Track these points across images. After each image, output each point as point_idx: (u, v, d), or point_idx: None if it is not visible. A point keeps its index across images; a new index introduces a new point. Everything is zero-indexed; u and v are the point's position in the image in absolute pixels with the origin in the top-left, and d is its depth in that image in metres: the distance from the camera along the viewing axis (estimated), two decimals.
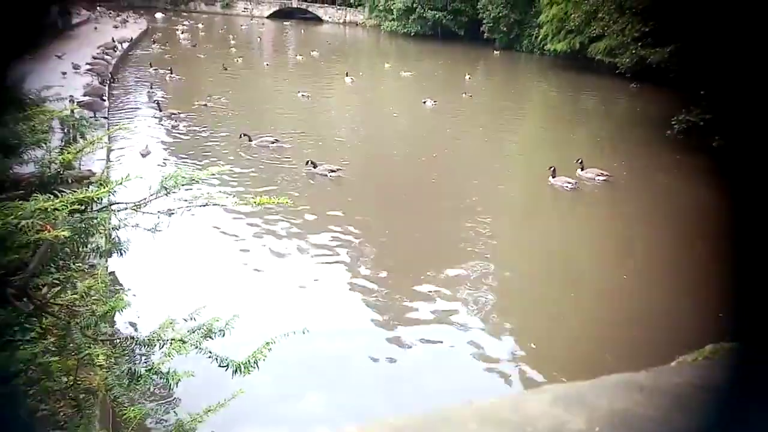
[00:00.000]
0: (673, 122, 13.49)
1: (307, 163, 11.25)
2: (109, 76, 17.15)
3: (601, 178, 11.72)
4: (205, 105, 15.96)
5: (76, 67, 15.37)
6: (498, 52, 30.70)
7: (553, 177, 11.38)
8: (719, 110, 12.63)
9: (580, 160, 11.95)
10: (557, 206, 11.21)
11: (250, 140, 11.47)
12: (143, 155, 12.03)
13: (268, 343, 3.03)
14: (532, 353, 6.34)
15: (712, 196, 11.69)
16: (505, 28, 31.89)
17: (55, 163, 2.74)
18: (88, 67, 16.72)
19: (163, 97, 17.17)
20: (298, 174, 11.30)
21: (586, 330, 6.90)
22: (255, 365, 2.98)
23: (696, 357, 0.88)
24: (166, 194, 2.70)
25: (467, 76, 24.40)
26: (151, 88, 18.12)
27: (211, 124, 14.38)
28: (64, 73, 15.42)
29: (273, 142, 11.35)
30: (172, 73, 19.81)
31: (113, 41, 22.14)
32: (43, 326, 3.62)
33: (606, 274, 8.33)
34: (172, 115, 14.67)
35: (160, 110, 14.80)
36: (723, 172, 12.14)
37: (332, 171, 11.14)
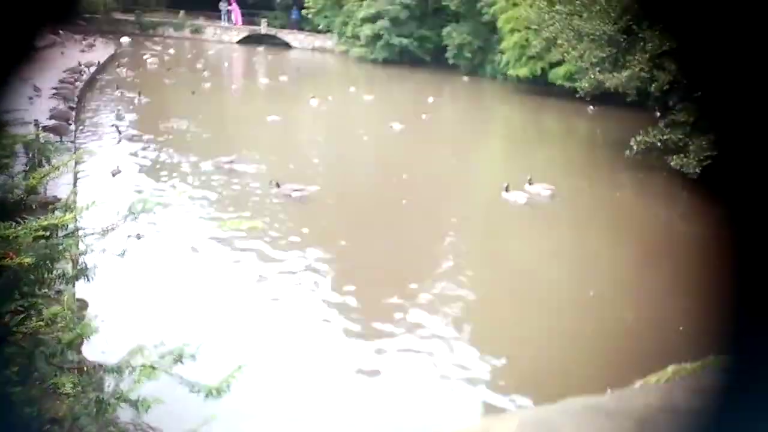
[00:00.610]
0: (631, 143, 13.95)
1: (271, 182, 11.27)
2: (76, 99, 16.90)
3: (547, 192, 12.38)
4: (172, 127, 15.86)
5: (36, 89, 15.07)
6: (466, 78, 31.31)
7: (506, 192, 11.99)
8: (676, 131, 13.14)
9: (528, 177, 12.51)
10: (522, 224, 11.43)
11: (278, 187, 11.17)
12: (114, 174, 11.88)
13: (240, 367, 3.03)
14: (503, 371, 6.41)
15: (670, 212, 12.14)
16: (469, 54, 32.56)
17: (19, 189, 2.71)
18: (54, 91, 16.44)
19: (130, 120, 17.02)
20: (268, 196, 11.27)
21: (557, 347, 7.02)
22: (227, 389, 2.97)
23: (659, 378, 0.92)
24: (135, 219, 2.71)
25: (430, 99, 24.93)
26: (119, 111, 17.95)
27: (179, 148, 14.26)
28: (30, 98, 15.12)
29: (296, 191, 11.15)
30: (140, 96, 19.70)
31: (80, 65, 21.84)
32: (5, 355, 3.53)
33: (573, 290, 8.50)
34: (133, 138, 14.55)
35: (120, 133, 14.62)
36: (681, 190, 12.62)
37: (296, 190, 11.19)
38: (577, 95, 18.20)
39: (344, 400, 5.81)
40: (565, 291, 8.52)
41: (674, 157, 12.87)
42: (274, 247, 9.00)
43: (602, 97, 17.88)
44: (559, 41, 17.65)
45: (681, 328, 7.14)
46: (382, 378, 6.21)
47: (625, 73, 14.24)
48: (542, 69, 24.90)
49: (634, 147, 13.85)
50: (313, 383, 5.95)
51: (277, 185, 11.22)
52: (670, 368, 0.98)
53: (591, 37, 15.69)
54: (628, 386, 0.99)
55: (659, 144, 13.43)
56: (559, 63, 22.23)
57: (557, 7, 18.55)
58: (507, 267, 9.40)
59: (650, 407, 0.82)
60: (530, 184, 12.39)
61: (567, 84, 22.23)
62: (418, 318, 7.35)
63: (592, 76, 15.98)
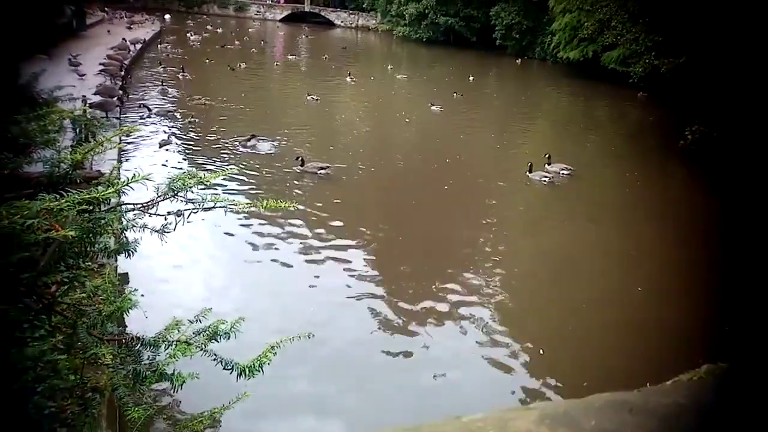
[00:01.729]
0: (686, 132, 13.39)
1: (297, 159, 11.34)
2: (121, 76, 17.29)
3: (566, 172, 12.53)
4: (204, 104, 16.09)
5: (81, 75, 15.50)
6: (514, 59, 30.63)
7: (530, 172, 12.20)
8: (730, 121, 12.54)
9: (547, 155, 12.67)
10: (564, 210, 11.13)
11: (302, 164, 11.22)
12: (162, 146, 12.19)
13: (273, 347, 3.02)
14: (540, 360, 6.30)
15: (722, 206, 11.62)
16: (517, 36, 31.86)
17: (65, 163, 2.75)
18: (101, 67, 16.85)
19: (172, 96, 17.34)
20: (308, 177, 11.30)
21: (596, 337, 6.85)
22: (260, 369, 2.97)
23: (691, 377, 0.86)
24: (174, 196, 2.70)
25: (471, 78, 24.67)
26: (163, 87, 18.32)
27: (215, 125, 14.42)
28: (79, 74, 15.56)
29: (322, 169, 11.24)
30: (183, 72, 20.12)
31: (125, 42, 22.32)
32: (52, 324, 3.63)
33: (615, 280, 8.26)
34: (167, 114, 14.77)
35: (149, 110, 14.82)
36: (733, 182, 12.06)
37: (321, 168, 11.21)
38: (630, 80, 17.60)
39: (373, 383, 5.80)
40: (617, 282, 8.29)
41: (729, 148, 12.30)
42: (319, 228, 9.03)
43: (655, 83, 17.22)
44: (614, 23, 17.04)
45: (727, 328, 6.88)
46: (423, 356, 6.17)
47: (683, 59, 13.62)
48: (594, 52, 24.12)
49: (689, 136, 13.29)
50: (345, 363, 5.98)
51: (302, 163, 11.25)
52: (704, 367, 0.91)
53: (647, 19, 15.06)
54: (660, 384, 0.91)
55: (714, 134, 12.85)
56: (612, 46, 21.45)
57: None
58: (559, 253, 9.18)
59: (677, 406, 0.77)
60: (549, 164, 12.54)
61: (620, 68, 21.48)
62: (460, 299, 7.27)
63: (647, 61, 15.38)
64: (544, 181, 12.10)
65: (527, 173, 12.22)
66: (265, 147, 12.89)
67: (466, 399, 5.65)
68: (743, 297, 7.33)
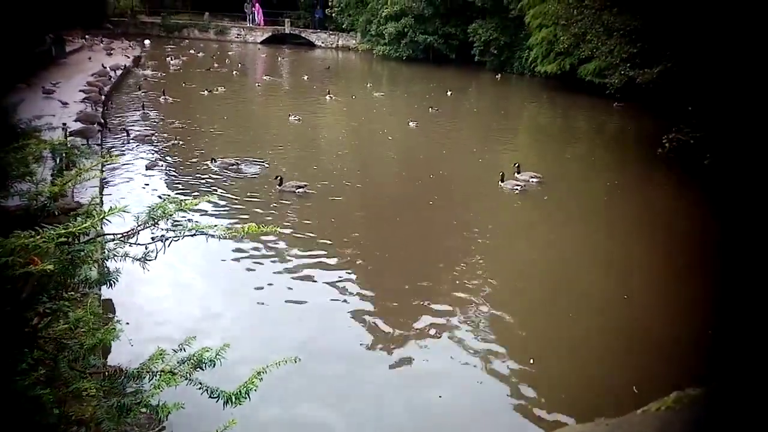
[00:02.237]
0: (663, 140, 13.60)
1: (276, 178, 11.44)
2: (102, 102, 17.23)
3: (535, 180, 12.86)
4: (181, 127, 16.14)
5: (64, 103, 15.42)
6: (493, 74, 31.03)
7: (502, 181, 12.49)
8: (708, 128, 12.76)
9: (516, 165, 13.01)
10: (547, 220, 11.22)
11: (281, 183, 11.29)
12: (149, 168, 12.23)
13: (259, 373, 3.00)
14: (529, 373, 6.30)
15: (702, 213, 11.79)
16: (495, 51, 32.29)
17: (42, 196, 2.73)
18: (82, 94, 16.79)
19: (153, 121, 17.31)
20: (287, 197, 11.30)
21: (584, 346, 6.89)
22: (246, 395, 2.95)
23: (659, 406, 0.87)
24: (155, 224, 2.69)
25: (449, 93, 25.03)
26: (144, 109, 18.31)
27: (194, 148, 14.38)
28: (65, 103, 15.47)
29: (299, 188, 11.33)
30: (164, 95, 20.19)
31: (105, 68, 22.27)
32: (34, 357, 3.57)
33: (600, 289, 8.32)
34: (146, 138, 14.73)
35: (128, 135, 14.75)
36: (714, 189, 12.26)
37: (299, 187, 11.31)
38: (607, 92, 17.89)
39: (362, 405, 5.76)
40: (606, 293, 8.35)
41: (708, 155, 12.49)
42: (301, 248, 9.01)
43: (634, 94, 17.53)
44: (589, 36, 17.33)
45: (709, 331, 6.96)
46: (412, 372, 6.16)
47: (657, 69, 13.88)
48: (571, 65, 24.54)
49: (667, 144, 13.50)
50: (333, 386, 5.93)
51: (280, 182, 11.34)
52: (672, 395, 0.91)
53: (621, 32, 15.36)
54: (628, 414, 0.92)
55: (692, 141, 13.05)
56: (588, 59, 21.86)
57: (586, 2, 18.23)
58: (546, 267, 9.24)
59: None
60: (518, 173, 12.92)
61: (597, 80, 21.86)
62: (449, 312, 7.27)
63: (623, 72, 15.66)
64: (516, 189, 12.40)
65: (499, 183, 12.54)
66: (250, 169, 12.89)
67: (456, 413, 5.63)
68: (730, 303, 7.41)
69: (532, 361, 6.51)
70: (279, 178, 11.45)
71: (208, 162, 12.86)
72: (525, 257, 9.71)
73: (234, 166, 12.73)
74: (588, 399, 5.93)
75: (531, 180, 12.82)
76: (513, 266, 9.26)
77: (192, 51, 35.11)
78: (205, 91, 21.82)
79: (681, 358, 6.48)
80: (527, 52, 29.08)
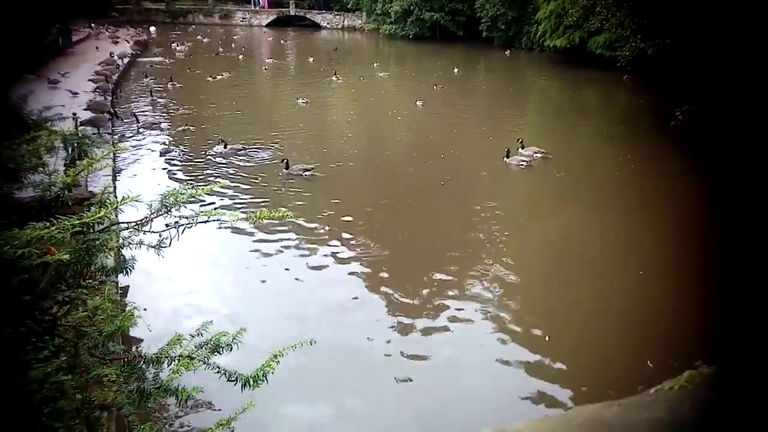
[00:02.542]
0: (676, 113, 13.41)
1: (282, 161, 11.47)
2: (111, 91, 17.27)
3: (539, 154, 12.84)
4: (190, 114, 16.12)
5: (74, 93, 15.46)
6: (502, 51, 30.62)
7: (507, 157, 12.52)
8: (719, 101, 12.55)
9: (520, 140, 13.03)
10: (561, 198, 11.15)
11: (287, 167, 11.31)
12: (163, 154, 12.38)
13: (275, 356, 3.03)
14: (546, 347, 6.33)
15: (715, 187, 11.64)
16: (503, 26, 31.86)
17: (56, 186, 2.75)
18: (91, 83, 16.84)
19: (161, 107, 17.36)
20: (296, 180, 11.30)
21: (597, 327, 6.87)
22: (264, 378, 2.98)
23: (672, 385, 0.86)
24: (167, 212, 2.71)
25: (455, 69, 24.80)
26: (152, 96, 18.36)
27: (202, 135, 14.37)
28: (75, 93, 15.52)
29: (307, 170, 11.33)
30: (172, 81, 20.27)
31: (113, 57, 22.28)
32: (55, 345, 3.64)
33: (615, 267, 8.28)
34: (153, 125, 14.76)
35: (138, 122, 14.81)
36: (725, 162, 12.09)
37: (306, 170, 11.33)
38: (618, 64, 17.64)
39: (376, 392, 5.82)
40: (619, 269, 8.31)
41: (719, 128, 12.31)
42: (314, 233, 9.03)
43: (644, 66, 17.25)
44: (598, 8, 17.05)
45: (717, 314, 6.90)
46: (429, 355, 6.19)
47: (669, 40, 13.63)
48: (580, 38, 24.16)
49: (680, 116, 13.31)
50: (348, 369, 5.99)
51: (287, 165, 11.34)
52: (685, 374, 0.91)
53: (631, 2, 15.08)
54: (641, 393, 0.92)
55: (705, 114, 12.86)
56: (598, 31, 21.50)
57: None
58: (560, 245, 9.20)
59: (656, 421, 0.77)
60: (522, 148, 12.91)
61: (607, 53, 21.52)
62: (463, 293, 7.29)
63: (634, 44, 15.41)
64: (522, 165, 12.42)
65: (504, 158, 12.53)
66: (260, 154, 12.88)
67: (474, 390, 5.67)
68: (740, 284, 7.36)
69: (547, 338, 6.53)
70: (285, 161, 11.46)
71: (218, 147, 12.86)
72: (538, 235, 9.67)
73: (242, 151, 12.74)
74: (603, 374, 5.94)
75: (535, 155, 12.80)
76: (526, 244, 9.23)
77: (199, 36, 34.95)
78: (210, 78, 21.76)
79: (693, 332, 6.46)
80: (535, 26, 28.68)
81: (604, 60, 22.29)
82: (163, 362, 2.98)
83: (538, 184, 12.10)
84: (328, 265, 8.09)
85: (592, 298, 7.39)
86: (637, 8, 14.97)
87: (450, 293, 7.37)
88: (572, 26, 23.85)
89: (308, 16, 43.94)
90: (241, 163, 12.25)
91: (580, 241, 9.28)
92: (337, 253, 8.43)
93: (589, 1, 17.43)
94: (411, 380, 5.80)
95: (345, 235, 8.93)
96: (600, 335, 6.69)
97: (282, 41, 37.41)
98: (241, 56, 28.21)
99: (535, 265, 8.57)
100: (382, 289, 7.49)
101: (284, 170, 11.38)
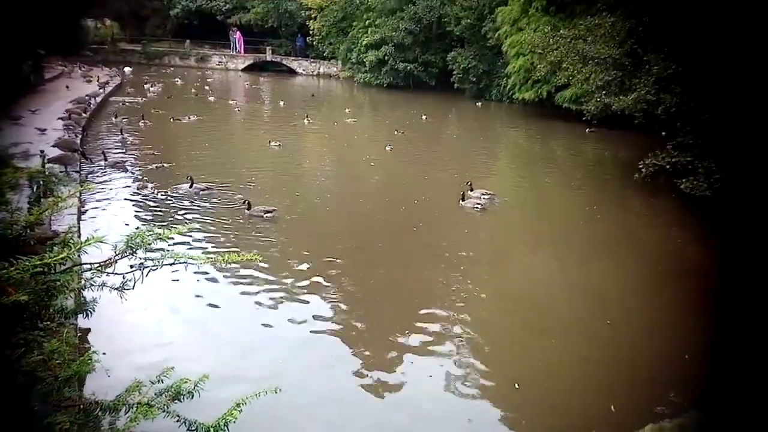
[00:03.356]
0: (640, 166, 13.89)
1: (244, 202, 11.49)
2: (81, 130, 17.09)
3: (486, 197, 13.22)
4: (154, 154, 15.93)
5: (42, 130, 15.28)
6: (480, 103, 31.51)
7: (463, 200, 12.80)
8: (684, 153, 13.08)
9: (469, 183, 13.47)
10: (527, 244, 11.31)
11: (249, 208, 11.35)
12: (132, 193, 12.40)
13: (238, 404, 2.94)
14: (515, 396, 6.29)
15: (682, 236, 12.00)
16: (474, 79, 32.87)
17: (18, 225, 2.69)
18: (61, 121, 16.65)
19: (130, 147, 17.24)
20: (266, 224, 11.24)
21: (568, 375, 6.89)
22: (225, 428, 2.89)
23: None
24: (132, 253, 2.66)
25: (423, 117, 25.49)
26: (122, 134, 18.28)
27: (169, 176, 14.25)
28: (43, 130, 15.31)
29: (268, 212, 11.37)
30: (143, 119, 20.36)
31: (86, 96, 22.16)
32: (7, 391, 3.46)
33: (582, 315, 8.36)
34: (118, 164, 14.62)
35: (106, 160, 14.72)
36: (692, 213, 12.51)
37: (267, 212, 11.37)
38: (584, 118, 18.29)
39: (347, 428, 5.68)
40: (589, 322, 8.39)
41: (684, 180, 12.79)
42: (281, 277, 8.93)
43: (610, 120, 17.93)
44: (564, 65, 17.77)
45: (686, 356, 7.03)
46: (395, 403, 6.09)
47: (632, 96, 14.24)
48: (548, 92, 25.08)
49: (643, 170, 13.79)
50: (324, 408, 5.85)
51: (248, 206, 11.38)
52: (648, 428, 0.92)
53: (596, 60, 15.78)
54: None
55: (668, 167, 13.35)
56: (565, 86, 22.38)
57: (561, 31, 18.74)
58: (526, 294, 9.27)
59: None
60: (471, 190, 13.33)
61: (573, 107, 22.33)
62: (431, 340, 7.24)
63: (599, 99, 16.03)
64: (477, 208, 12.72)
65: (460, 202, 12.80)
66: (227, 194, 12.82)
67: None
68: (711, 329, 7.52)
69: (517, 386, 6.51)
70: (247, 202, 11.51)
71: (185, 185, 12.76)
72: (507, 282, 9.75)
73: (207, 191, 12.70)
74: (570, 422, 5.93)
75: (483, 197, 13.16)
76: (495, 294, 9.26)
77: (176, 79, 35.03)
78: (174, 119, 21.59)
79: (660, 382, 6.52)
80: (505, 79, 29.67)
81: (571, 113, 23.11)
82: (121, 410, 2.87)
83: (510, 231, 12.29)
84: (295, 310, 7.97)
85: (561, 350, 7.41)
86: (601, 65, 15.66)
87: (419, 344, 7.29)
88: (540, 80, 24.76)
89: (284, 62, 44.67)
90: (207, 204, 12.16)
91: (548, 288, 9.38)
92: (306, 297, 8.33)
93: (556, 57, 18.18)
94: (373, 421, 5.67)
95: (315, 279, 8.85)
96: (567, 383, 6.69)
97: (259, 86, 37.85)
98: (212, 98, 28.39)
99: (504, 313, 8.59)
100: (347, 335, 7.40)
101: (246, 211, 11.39)
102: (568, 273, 10.08)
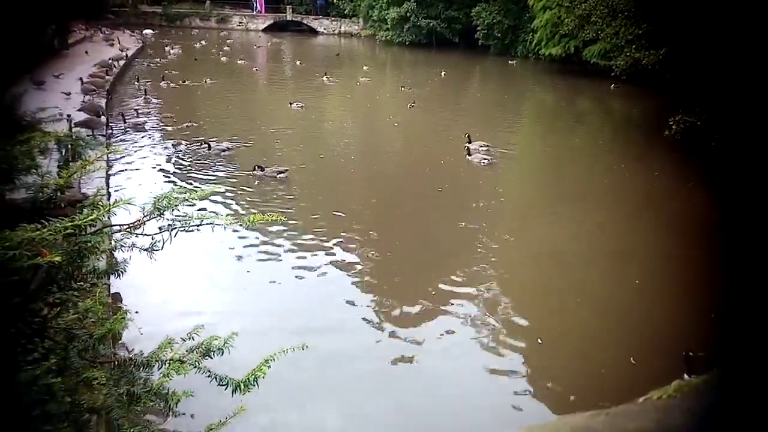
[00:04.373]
0: (670, 122, 13.49)
1: (254, 168, 11.50)
2: (106, 93, 17.22)
3: (484, 148, 13.24)
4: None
5: (67, 94, 15.44)
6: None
7: (470, 155, 12.73)
8: (714, 110, 12.64)
9: (467, 135, 13.41)
10: (558, 208, 11.19)
11: (262, 170, 11.42)
12: (158, 155, 12.54)
13: (267, 360, 3.02)
14: (540, 350, 6.34)
15: (708, 196, 11.72)
16: (499, 34, 32.01)
17: (48, 188, 2.74)
18: (86, 85, 16.78)
19: (153, 109, 17.36)
20: (293, 190, 11.29)
21: (592, 334, 6.90)
22: (255, 383, 2.97)
23: (660, 395, 0.86)
24: (160, 215, 2.70)
25: (443, 73, 25.01)
26: (146, 97, 18.46)
27: (192, 136, 14.33)
28: (68, 94, 15.49)
29: (280, 173, 11.42)
30: (164, 80, 20.61)
31: (109, 60, 22.24)
32: (45, 347, 3.62)
33: (609, 274, 8.31)
34: (137, 126, 14.74)
35: (125, 122, 14.87)
36: (721, 172, 12.16)
37: (280, 173, 11.44)
38: (612, 74, 17.77)
39: (369, 395, 5.81)
40: (616, 278, 8.34)
41: (714, 137, 12.39)
42: (308, 238, 9.02)
43: (639, 76, 17.38)
44: (593, 18, 17.18)
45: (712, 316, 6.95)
46: (424, 361, 6.19)
47: (663, 50, 13.74)
48: (575, 47, 24.33)
49: (674, 127, 13.40)
50: (337, 376, 5.98)
51: (261, 168, 11.47)
52: (674, 384, 0.91)
53: (626, 13, 15.21)
54: (628, 403, 0.92)
55: (698, 124, 12.95)
56: (593, 41, 21.66)
57: None
58: (552, 249, 9.23)
59: (644, 431, 0.76)
60: (470, 142, 13.23)
61: (602, 62, 21.67)
62: (457, 300, 7.30)
63: (628, 54, 15.53)
64: (484, 162, 12.65)
65: (467, 156, 12.73)
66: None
67: (465, 393, 5.67)
68: (738, 292, 7.38)
69: (540, 341, 6.58)
70: (258, 167, 11.51)
71: (214, 144, 12.88)
72: (531, 241, 9.69)
73: (228, 151, 12.82)
74: (593, 379, 5.97)
75: (481, 149, 13.13)
76: (519, 250, 9.25)
77: (198, 42, 34.74)
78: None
79: (683, 340, 6.49)
80: (531, 35, 28.84)
81: (598, 69, 22.45)
82: (154, 366, 2.97)
83: (534, 189, 12.16)
84: (323, 271, 8.08)
85: (586, 302, 7.41)
86: (633, 18, 15.10)
87: (443, 300, 7.38)
88: (568, 35, 24.01)
89: (305, 21, 44.01)
90: (230, 165, 12.25)
91: (573, 246, 9.31)
92: (332, 257, 8.43)
93: (584, 10, 17.58)
94: (398, 382, 5.79)
95: (341, 239, 8.93)
96: (590, 339, 6.72)
97: (280, 46, 37.45)
98: (241, 61, 28.18)
99: (527, 270, 8.59)
100: (376, 295, 7.50)
101: (259, 172, 11.49)
102: (593, 231, 9.98)
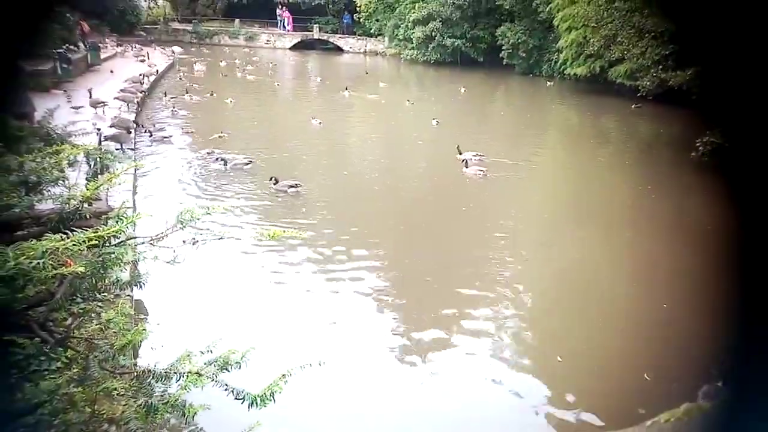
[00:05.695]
0: (697, 143, 13.28)
1: (270, 179, 11.63)
2: (136, 107, 17.63)
3: (476, 158, 13.28)
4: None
5: (97, 104, 15.87)
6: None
7: (467, 167, 12.75)
8: (742, 131, 12.40)
9: (457, 146, 13.47)
10: (583, 227, 11.05)
11: (276, 183, 11.58)
12: (182, 168, 12.77)
13: (284, 375, 3.02)
14: (559, 367, 6.23)
15: (737, 219, 11.42)
16: (524, 54, 32.02)
17: (75, 200, 2.80)
18: (116, 100, 17.21)
19: (181, 124, 17.71)
20: (313, 206, 11.35)
21: (616, 355, 6.76)
22: (271, 398, 2.97)
23: (669, 417, 0.84)
24: (182, 228, 2.74)
25: (462, 89, 25.03)
26: (174, 111, 19.00)
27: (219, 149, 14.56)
28: (95, 107, 15.90)
29: (292, 186, 11.52)
30: (187, 93, 21.46)
31: (140, 75, 22.81)
32: (67, 357, 3.67)
33: (634, 295, 8.15)
34: (164, 139, 14.99)
35: (151, 135, 15.15)
36: (750, 195, 11.86)
37: (291, 186, 11.52)
38: (639, 94, 17.59)
39: (386, 414, 5.76)
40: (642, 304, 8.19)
41: (741, 158, 12.14)
42: (328, 254, 9.05)
43: (666, 96, 17.18)
44: (619, 38, 17.10)
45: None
46: (439, 379, 6.14)
47: (690, 71, 13.59)
48: (600, 67, 24.17)
49: (700, 148, 13.18)
50: (370, 383, 5.96)
51: (276, 181, 11.55)
52: (683, 407, 0.88)
53: (652, 34, 15.11)
54: (638, 424, 0.89)
55: (727, 145, 12.70)
56: (618, 60, 21.52)
57: (616, 3, 17.98)
58: (575, 276, 9.11)
59: None
60: (460, 152, 13.25)
61: (628, 82, 21.49)
62: (477, 319, 7.24)
63: (655, 74, 15.39)
64: (479, 174, 12.60)
65: (464, 169, 12.73)
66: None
67: (484, 409, 5.59)
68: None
69: (559, 359, 6.48)
70: (273, 178, 11.64)
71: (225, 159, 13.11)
72: (554, 260, 9.58)
73: (248, 166, 12.97)
74: (611, 397, 5.85)
75: (473, 158, 13.18)
76: (542, 269, 9.14)
77: (225, 61, 35.34)
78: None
79: (702, 361, 6.31)
80: (556, 54, 28.77)
81: (623, 89, 22.25)
82: (172, 378, 2.99)
83: (558, 208, 12.02)
84: (341, 285, 8.08)
85: (607, 325, 7.27)
86: (658, 39, 14.99)
87: (463, 317, 7.31)
88: (593, 55, 23.90)
89: (331, 40, 44.61)
90: (249, 182, 12.36)
91: (598, 266, 9.18)
92: (352, 272, 8.43)
93: (610, 31, 17.52)
94: (417, 398, 5.73)
95: (361, 254, 8.93)
96: (611, 360, 6.59)
97: (307, 63, 37.99)
98: (269, 77, 28.62)
99: (550, 289, 8.49)
100: (396, 311, 7.47)
101: (273, 186, 11.57)
102: (619, 251, 9.82)
